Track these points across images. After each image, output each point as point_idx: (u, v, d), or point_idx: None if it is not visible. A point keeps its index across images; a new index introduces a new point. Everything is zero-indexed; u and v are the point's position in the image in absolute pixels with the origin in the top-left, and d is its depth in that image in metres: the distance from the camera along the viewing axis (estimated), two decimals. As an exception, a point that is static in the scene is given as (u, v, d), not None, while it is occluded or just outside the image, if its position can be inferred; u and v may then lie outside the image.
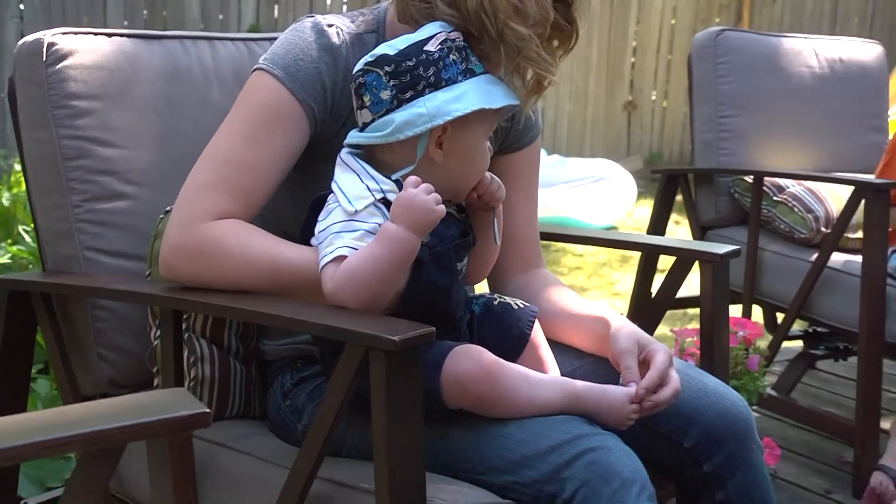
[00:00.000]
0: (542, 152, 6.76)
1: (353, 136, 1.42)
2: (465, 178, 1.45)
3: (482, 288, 1.74)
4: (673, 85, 8.69)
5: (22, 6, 6.46)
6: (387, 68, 1.37)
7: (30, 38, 1.67)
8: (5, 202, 4.36)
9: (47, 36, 1.67)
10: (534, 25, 1.41)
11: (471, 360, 1.35)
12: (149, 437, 1.03)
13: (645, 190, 6.92)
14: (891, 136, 2.82)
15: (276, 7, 7.13)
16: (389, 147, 1.39)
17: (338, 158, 1.43)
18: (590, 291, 4.86)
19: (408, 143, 1.39)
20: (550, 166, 6.31)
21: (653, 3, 8.54)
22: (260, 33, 1.96)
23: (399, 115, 1.37)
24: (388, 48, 1.39)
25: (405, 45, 1.38)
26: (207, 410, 0.98)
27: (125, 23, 6.73)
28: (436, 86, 1.37)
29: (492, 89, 1.39)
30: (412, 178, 1.34)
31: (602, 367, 1.53)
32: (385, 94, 1.38)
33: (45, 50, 1.66)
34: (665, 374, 1.42)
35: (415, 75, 1.37)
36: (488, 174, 1.47)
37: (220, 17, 7.02)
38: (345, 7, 7.45)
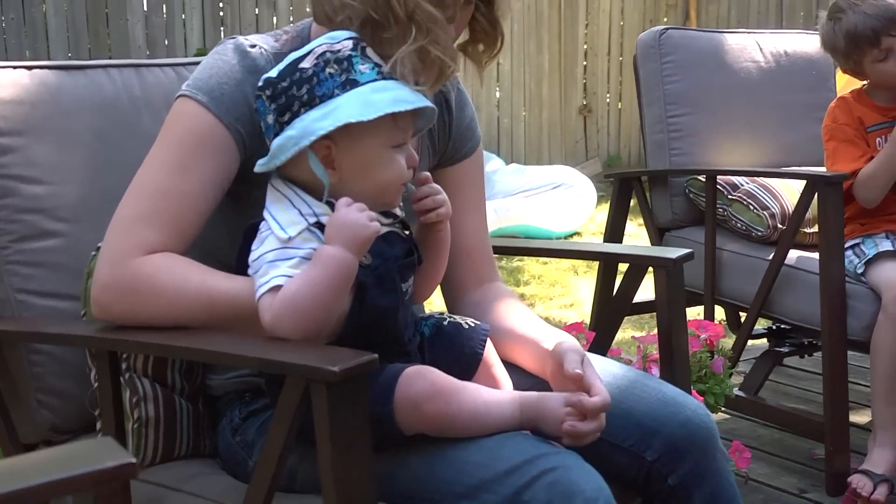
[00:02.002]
0: (500, 161, 6.78)
1: (256, 166, 1.37)
2: (376, 192, 1.37)
3: (434, 306, 1.70)
4: (626, 86, 8.72)
5: (-39, 42, 6.37)
6: (267, 92, 1.34)
7: (-54, 75, 1.61)
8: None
9: (-37, 73, 1.61)
10: (445, 8, 1.37)
11: (424, 379, 1.31)
12: (72, 493, 0.97)
13: (606, 194, 6.91)
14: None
15: (221, 30, 7.08)
16: (298, 170, 1.35)
17: (268, 184, 1.38)
18: (554, 300, 4.82)
19: (304, 165, 1.33)
20: (509, 175, 6.30)
21: (600, 6, 8.57)
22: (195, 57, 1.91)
23: (276, 140, 1.33)
24: (274, 70, 1.35)
25: (284, 65, 1.34)
26: (133, 461, 0.92)
27: (69, 54, 6.66)
28: (310, 104, 1.32)
29: (372, 98, 1.31)
30: (344, 199, 1.30)
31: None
32: (270, 119, 1.35)
33: (-39, 87, 1.60)
34: (598, 381, 1.37)
35: (289, 96, 1.32)
36: (432, 187, 1.43)
37: (166, 42, 6.96)
38: (291, 22, 7.41)
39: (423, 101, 1.35)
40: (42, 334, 1.52)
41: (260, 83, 1.35)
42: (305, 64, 1.33)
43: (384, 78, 1.35)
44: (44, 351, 1.63)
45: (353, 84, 1.32)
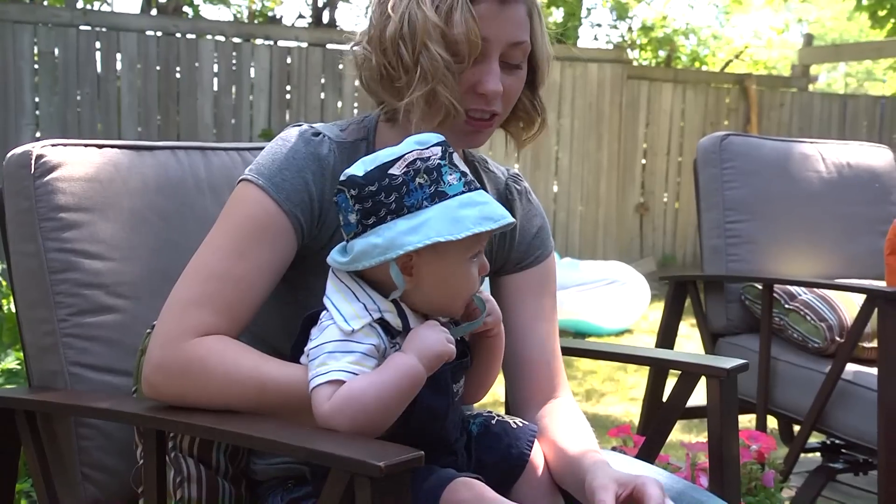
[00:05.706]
0: (555, 255, 6.78)
1: (330, 259, 1.37)
2: (447, 302, 1.37)
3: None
4: (684, 186, 8.73)
5: (38, 112, 6.57)
6: (352, 192, 1.32)
7: (18, 150, 1.65)
8: (12, 308, 4.32)
9: (36, 148, 1.64)
10: (454, 54, 1.38)
11: (471, 490, 1.28)
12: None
13: (659, 292, 6.87)
14: None
15: (287, 112, 7.24)
16: (371, 271, 1.33)
17: (330, 273, 1.37)
18: (605, 396, 4.78)
19: (380, 269, 1.32)
20: (563, 269, 6.29)
21: (661, 106, 8.62)
22: (263, 141, 1.93)
23: (359, 244, 1.31)
24: (359, 168, 1.33)
25: (372, 167, 1.32)
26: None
27: (139, 129, 6.83)
28: (398, 213, 1.30)
29: (461, 214, 1.30)
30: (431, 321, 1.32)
31: None
32: (352, 218, 1.32)
33: (33, 162, 1.63)
34: None
35: (377, 201, 1.30)
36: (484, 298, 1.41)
37: (233, 121, 7.12)
38: (355, 110, 7.54)
39: (508, 219, 1.32)
40: (91, 409, 1.52)
41: (343, 178, 1.33)
42: (395, 171, 1.31)
43: (470, 189, 1.33)
44: (92, 425, 1.64)
45: (442, 196, 1.30)
